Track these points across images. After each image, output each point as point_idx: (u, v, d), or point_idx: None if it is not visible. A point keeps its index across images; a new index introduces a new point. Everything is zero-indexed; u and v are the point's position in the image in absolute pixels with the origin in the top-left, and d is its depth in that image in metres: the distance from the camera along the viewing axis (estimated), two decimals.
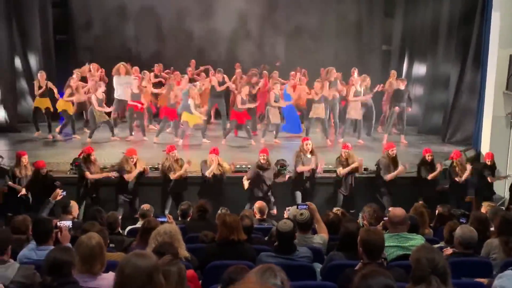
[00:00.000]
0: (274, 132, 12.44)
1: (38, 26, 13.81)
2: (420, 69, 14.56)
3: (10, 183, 8.83)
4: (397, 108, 12.34)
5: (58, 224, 4.67)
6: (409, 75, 14.84)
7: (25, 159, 8.91)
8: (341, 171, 9.33)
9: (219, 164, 9.10)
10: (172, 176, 9.04)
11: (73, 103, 12.28)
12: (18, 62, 13.54)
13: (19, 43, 13.51)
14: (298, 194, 9.42)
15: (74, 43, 15.16)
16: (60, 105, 12.07)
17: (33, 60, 13.87)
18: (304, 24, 15.42)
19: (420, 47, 14.48)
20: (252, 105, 12.32)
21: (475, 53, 11.90)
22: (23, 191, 8.74)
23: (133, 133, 12.54)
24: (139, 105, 12.10)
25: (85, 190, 9.02)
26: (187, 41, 15.38)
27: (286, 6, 15.57)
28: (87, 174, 8.91)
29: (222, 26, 15.17)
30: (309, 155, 9.34)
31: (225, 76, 12.86)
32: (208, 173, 8.99)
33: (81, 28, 15.13)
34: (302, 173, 9.37)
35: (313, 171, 9.42)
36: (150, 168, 9.70)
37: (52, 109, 12.20)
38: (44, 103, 12.13)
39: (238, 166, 9.80)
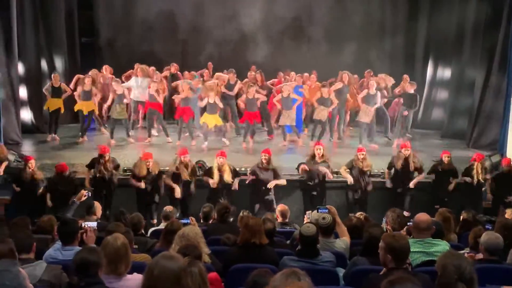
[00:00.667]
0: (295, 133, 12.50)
1: (64, 28, 13.99)
2: (445, 73, 14.39)
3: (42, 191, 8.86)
4: (405, 112, 12.27)
5: (83, 225, 4.73)
6: (433, 79, 14.68)
7: (31, 164, 8.82)
8: (343, 171, 9.37)
9: (220, 170, 8.99)
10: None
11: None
12: (44, 64, 13.69)
13: (45, 45, 13.65)
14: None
15: (99, 46, 15.33)
16: (77, 104, 12.11)
17: (58, 62, 14.01)
18: (325, 26, 15.36)
19: (445, 50, 14.31)
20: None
21: (501, 57, 11.74)
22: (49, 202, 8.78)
23: (155, 134, 12.59)
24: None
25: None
26: (204, 43, 15.42)
27: (305, 8, 15.54)
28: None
29: (239, 29, 15.17)
30: (319, 161, 9.29)
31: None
32: (212, 184, 8.99)
33: (105, 30, 15.31)
34: (311, 178, 9.33)
35: (324, 177, 9.36)
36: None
37: (63, 110, 12.25)
38: (56, 104, 12.10)
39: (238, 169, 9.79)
